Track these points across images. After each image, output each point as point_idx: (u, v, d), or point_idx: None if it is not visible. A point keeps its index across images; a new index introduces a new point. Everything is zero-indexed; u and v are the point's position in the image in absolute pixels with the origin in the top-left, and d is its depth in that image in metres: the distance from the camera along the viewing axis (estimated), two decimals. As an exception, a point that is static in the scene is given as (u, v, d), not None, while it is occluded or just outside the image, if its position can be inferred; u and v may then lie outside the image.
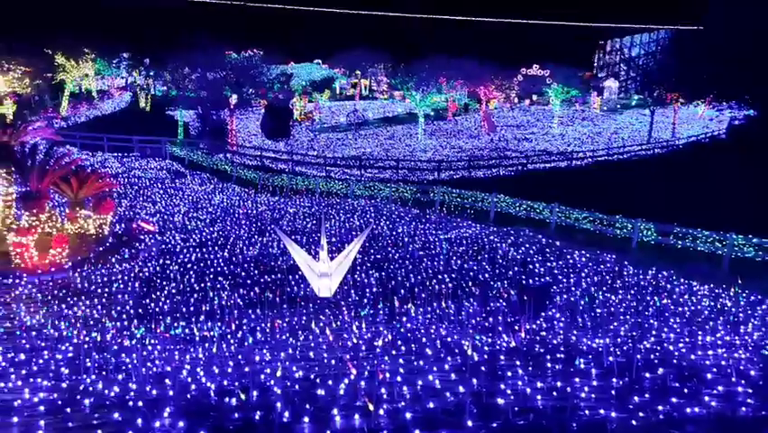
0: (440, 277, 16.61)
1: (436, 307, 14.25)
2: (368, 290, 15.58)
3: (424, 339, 11.43)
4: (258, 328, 12.63)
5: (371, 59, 77.39)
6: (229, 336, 11.98)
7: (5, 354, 10.96)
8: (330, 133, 55.51)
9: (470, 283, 16.17)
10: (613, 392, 8.17)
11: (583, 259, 19.17)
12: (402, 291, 15.44)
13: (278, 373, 8.25)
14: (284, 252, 18.44)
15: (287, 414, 7.11)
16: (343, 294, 15.18)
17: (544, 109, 72.73)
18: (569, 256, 19.43)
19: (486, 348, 10.60)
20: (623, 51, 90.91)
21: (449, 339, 11.37)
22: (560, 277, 17.11)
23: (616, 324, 12.74)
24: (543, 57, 72.51)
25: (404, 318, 13.30)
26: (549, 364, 9.49)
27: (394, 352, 10.52)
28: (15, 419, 6.90)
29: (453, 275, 16.84)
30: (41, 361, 10.39)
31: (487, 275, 17.05)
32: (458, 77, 60.05)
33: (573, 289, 15.93)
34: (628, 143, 52.11)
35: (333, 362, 9.88)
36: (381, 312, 13.73)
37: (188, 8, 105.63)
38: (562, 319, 13.12)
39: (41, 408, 7.35)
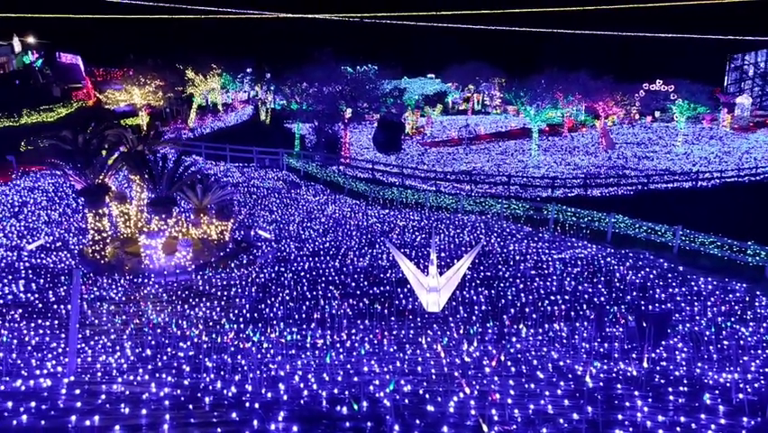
0: (552, 298, 16.09)
1: (548, 329, 13.80)
2: (477, 307, 15.35)
3: (535, 361, 11.08)
4: (366, 339, 12.75)
5: (485, 73, 76.81)
6: (338, 345, 12.17)
7: (134, 348, 11.72)
8: (440, 148, 55.57)
9: (584, 306, 15.54)
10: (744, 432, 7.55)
11: (709, 287, 17.93)
12: (512, 311, 15.09)
13: (391, 387, 8.26)
14: (393, 264, 18.57)
15: (397, 427, 7.10)
16: (452, 310, 15.04)
17: (667, 126, 69.15)
18: (693, 283, 18.25)
19: (602, 375, 10.12)
20: (758, 66, 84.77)
21: (561, 363, 10.95)
22: (683, 304, 16.09)
23: (746, 358, 11.77)
24: (667, 71, 69.04)
25: (513, 339, 12.98)
26: (671, 397, 8.91)
27: (503, 373, 10.27)
28: (144, 412, 7.34)
29: (567, 297, 16.26)
30: (165, 357, 11.01)
31: (603, 299, 16.33)
32: (575, 91, 58.31)
33: (698, 318, 14.92)
34: (762, 164, 48.41)
35: (441, 378, 9.78)
36: (490, 331, 13.47)
37: (307, 25, 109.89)
38: (685, 350, 12.30)
39: (166, 402, 7.78)
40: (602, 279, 18.24)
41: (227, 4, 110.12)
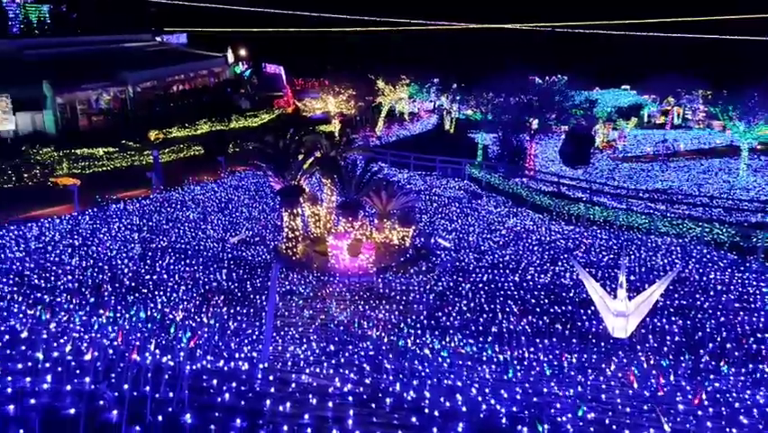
0: (759, 336, 14.38)
1: (753, 369, 12.36)
2: (669, 337, 14.18)
3: (737, 404, 9.97)
4: (545, 359, 12.31)
5: (687, 85, 70.90)
6: (516, 362, 11.87)
7: (320, 342, 12.36)
8: (633, 163, 52.33)
9: (800, 349, 13.70)
10: None
11: None
12: (710, 345, 13.72)
13: (581, 413, 7.85)
14: (576, 284, 17.76)
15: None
16: (640, 338, 14.05)
17: None
18: None
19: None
20: None
21: (769, 410, 9.74)
22: None
23: None
24: None
25: (711, 376, 11.80)
26: None
27: (700, 412, 9.36)
28: (330, 404, 7.68)
29: (778, 336, 14.44)
30: (346, 354, 11.47)
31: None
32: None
33: None
34: None
35: (627, 409, 9.14)
36: (684, 365, 12.37)
37: (497, 35, 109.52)
38: None
39: (350, 398, 8.07)
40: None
41: (418, 16, 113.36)
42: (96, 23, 58.99)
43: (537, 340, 13.63)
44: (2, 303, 13.60)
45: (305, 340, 12.60)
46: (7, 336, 9.81)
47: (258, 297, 16.55)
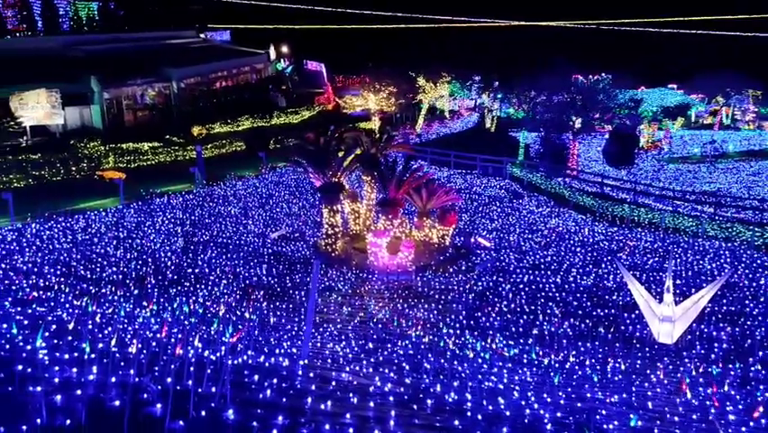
0: (815, 345, 13.82)
1: (807, 380, 11.87)
2: (717, 345, 13.72)
3: (791, 416, 9.57)
4: (587, 363, 12.04)
5: (738, 84, 68.87)
6: (557, 365, 11.64)
7: (358, 340, 12.31)
8: (680, 164, 51.10)
9: None
10: None
11: None
12: (760, 354, 13.23)
13: (633, 423, 7.61)
14: (620, 286, 17.36)
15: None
16: (686, 344, 13.63)
17: None
18: None
19: None
20: None
21: (827, 424, 9.31)
22: None
23: None
24: None
25: (761, 386, 11.37)
26: None
27: (752, 423, 9.01)
28: (371, 404, 7.60)
29: (834, 346, 13.85)
30: (385, 353, 11.39)
31: None
32: None
33: None
34: None
35: (676, 418, 8.86)
36: (732, 373, 11.95)
37: (538, 32, 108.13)
38: None
39: (391, 398, 7.97)
40: None
41: (460, 13, 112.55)
42: (143, 19, 60.25)
43: (579, 344, 13.34)
44: (50, 293, 13.93)
45: (343, 337, 12.58)
46: (54, 326, 10.01)
47: (297, 292, 16.60)
